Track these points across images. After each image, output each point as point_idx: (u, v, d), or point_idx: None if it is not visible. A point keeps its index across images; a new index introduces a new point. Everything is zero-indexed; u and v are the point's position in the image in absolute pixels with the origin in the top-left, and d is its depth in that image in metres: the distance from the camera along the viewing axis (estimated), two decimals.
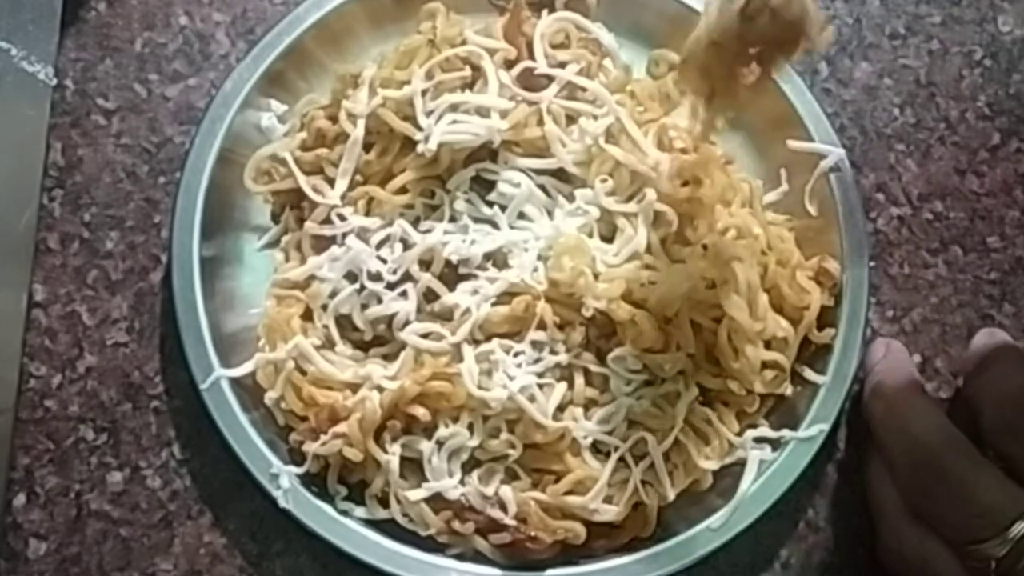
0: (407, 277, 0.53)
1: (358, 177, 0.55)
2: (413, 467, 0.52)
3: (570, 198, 0.55)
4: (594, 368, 0.52)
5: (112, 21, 0.60)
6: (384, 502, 0.52)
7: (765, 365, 0.53)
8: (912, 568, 0.50)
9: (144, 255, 0.57)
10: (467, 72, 0.55)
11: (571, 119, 0.56)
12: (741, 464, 0.53)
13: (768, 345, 0.53)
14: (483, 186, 0.55)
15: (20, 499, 0.53)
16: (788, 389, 0.55)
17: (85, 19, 0.60)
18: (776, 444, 0.53)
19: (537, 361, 0.52)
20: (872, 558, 0.54)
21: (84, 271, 0.56)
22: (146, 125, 0.59)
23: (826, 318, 0.55)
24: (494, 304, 0.53)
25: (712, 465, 0.53)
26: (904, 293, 0.59)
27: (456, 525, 0.51)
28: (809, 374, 0.55)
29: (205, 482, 0.54)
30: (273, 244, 0.57)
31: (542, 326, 0.52)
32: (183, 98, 0.59)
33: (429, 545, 0.51)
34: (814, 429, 0.53)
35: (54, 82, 0.58)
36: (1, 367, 0.54)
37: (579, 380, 0.52)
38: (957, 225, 0.60)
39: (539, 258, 0.53)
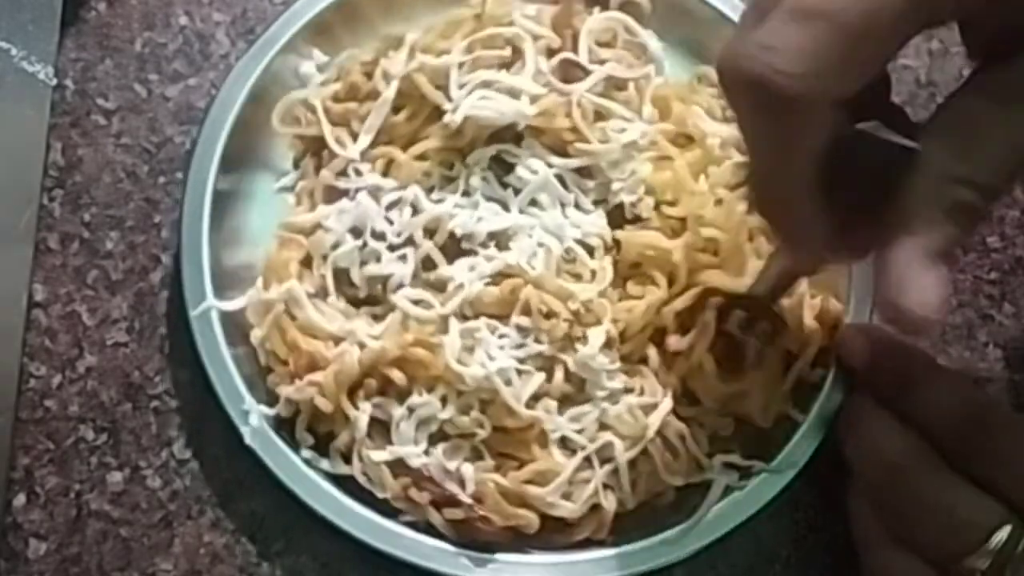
0: (409, 242, 0.53)
1: (383, 137, 0.55)
2: (381, 429, 0.52)
3: (588, 194, 0.55)
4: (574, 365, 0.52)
5: (112, 21, 0.60)
6: (347, 458, 0.52)
7: None
8: None
9: (144, 255, 0.57)
10: (507, 52, 0.55)
11: (600, 116, 0.56)
12: (707, 485, 0.53)
13: None
14: (502, 167, 0.55)
15: (20, 499, 0.53)
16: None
17: (85, 19, 0.60)
18: (745, 473, 0.53)
19: (520, 347, 0.52)
20: None
21: (84, 271, 0.56)
22: (146, 125, 0.59)
23: (819, 358, 0.54)
24: (488, 283, 0.53)
25: (677, 481, 0.53)
26: None
27: (412, 493, 0.51)
28: (790, 411, 0.54)
29: (205, 482, 0.54)
30: (290, 188, 0.57)
31: (527, 312, 0.52)
32: (183, 98, 0.59)
33: (383, 509, 0.52)
34: (785, 465, 0.53)
35: (54, 82, 0.58)
36: (1, 367, 0.54)
37: (559, 374, 0.52)
38: None
39: (539, 245, 0.53)
